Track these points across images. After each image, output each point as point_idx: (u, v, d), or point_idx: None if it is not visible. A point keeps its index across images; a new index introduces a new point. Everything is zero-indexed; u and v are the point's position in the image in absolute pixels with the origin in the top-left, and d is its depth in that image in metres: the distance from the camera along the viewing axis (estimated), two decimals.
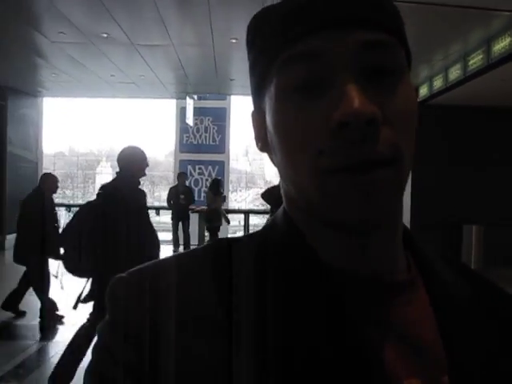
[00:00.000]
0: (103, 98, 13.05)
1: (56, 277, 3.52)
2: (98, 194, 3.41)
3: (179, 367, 0.44)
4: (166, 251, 8.33)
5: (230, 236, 0.61)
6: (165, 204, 10.82)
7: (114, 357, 0.46)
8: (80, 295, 3.07)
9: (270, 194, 5.52)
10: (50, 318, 5.35)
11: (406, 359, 0.48)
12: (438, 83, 8.27)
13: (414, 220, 8.65)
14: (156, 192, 20.63)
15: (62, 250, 3.22)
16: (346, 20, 0.46)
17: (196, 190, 13.00)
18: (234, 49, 7.27)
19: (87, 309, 3.36)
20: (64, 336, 5.09)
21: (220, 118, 13.91)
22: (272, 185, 7.68)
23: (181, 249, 10.11)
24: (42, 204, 5.27)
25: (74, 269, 3.15)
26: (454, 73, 7.55)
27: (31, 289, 5.47)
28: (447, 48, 6.95)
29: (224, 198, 10.10)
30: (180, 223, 10.28)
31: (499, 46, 6.15)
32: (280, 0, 0.51)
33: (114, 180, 3.48)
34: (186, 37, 7.01)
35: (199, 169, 13.86)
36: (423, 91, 8.72)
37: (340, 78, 0.45)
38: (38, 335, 5.22)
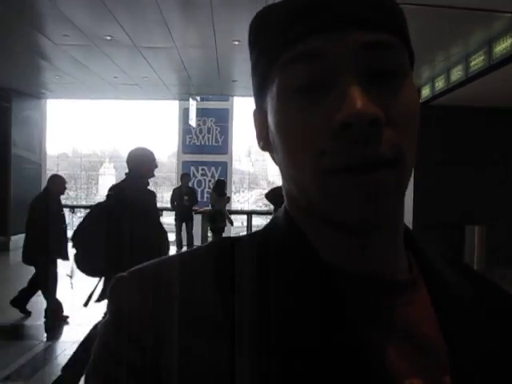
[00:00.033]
0: (106, 99, 13.08)
1: (71, 276, 3.57)
2: (107, 195, 3.45)
3: (181, 366, 0.44)
4: (169, 252, 8.35)
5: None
6: (168, 205, 10.83)
7: (116, 357, 0.46)
8: (91, 293, 3.11)
9: (273, 195, 5.57)
10: (55, 319, 5.39)
11: (408, 359, 0.48)
12: (439, 84, 8.28)
13: (416, 220, 8.65)
14: (159, 193, 20.60)
15: (74, 251, 3.27)
16: (347, 20, 0.46)
17: (199, 190, 13.02)
18: (236, 50, 7.30)
19: (93, 309, 3.40)
20: (69, 336, 5.15)
21: (223, 119, 13.94)
22: (275, 185, 7.71)
23: (184, 250, 10.13)
24: (50, 205, 5.33)
25: (86, 268, 3.20)
26: (456, 74, 7.57)
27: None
28: (449, 49, 6.96)
29: (228, 199, 10.13)
30: (183, 224, 10.30)
31: (501, 48, 6.17)
32: None
33: (123, 181, 3.52)
34: (188, 39, 7.04)
35: (202, 170, 13.88)
36: (425, 92, 8.73)
37: (342, 78, 0.45)
38: (43, 335, 5.27)
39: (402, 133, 0.46)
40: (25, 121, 11.50)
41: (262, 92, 0.53)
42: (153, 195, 3.57)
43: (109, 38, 6.90)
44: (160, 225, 3.56)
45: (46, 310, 5.42)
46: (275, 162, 0.55)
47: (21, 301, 5.62)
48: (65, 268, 5.53)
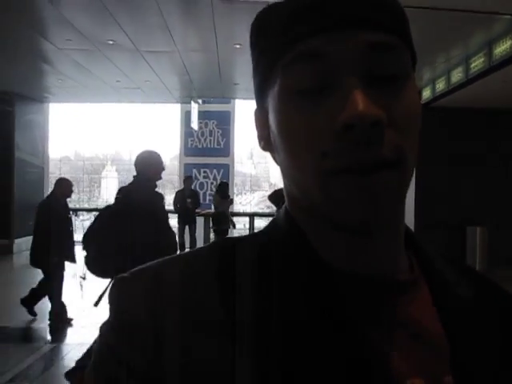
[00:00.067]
0: (109, 103, 13.08)
1: (84, 278, 3.62)
2: (116, 198, 3.51)
3: (183, 367, 0.44)
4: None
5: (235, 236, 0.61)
6: (170, 207, 10.85)
7: (117, 357, 0.45)
8: (102, 294, 3.15)
9: (276, 196, 5.61)
10: (59, 321, 5.44)
11: (409, 359, 0.47)
12: (440, 86, 8.31)
13: (418, 221, 8.66)
14: None
15: (84, 253, 3.33)
16: (347, 20, 0.46)
17: (201, 193, 13.03)
18: (237, 54, 7.33)
19: (97, 311, 3.43)
20: (74, 338, 5.19)
21: (224, 122, 13.95)
22: (277, 187, 7.73)
23: None
24: (57, 208, 5.39)
25: (96, 270, 3.25)
26: (457, 75, 7.60)
27: None
28: (449, 51, 7.01)
29: (231, 201, 10.15)
30: (186, 227, 10.31)
31: (500, 49, 6.20)
32: None
33: (131, 184, 3.58)
34: (190, 43, 7.08)
35: (204, 172, 13.89)
36: (426, 94, 8.76)
37: (344, 79, 0.45)
38: (48, 337, 5.31)
39: (404, 134, 0.46)
40: (28, 125, 11.53)
41: (263, 92, 0.53)
42: (161, 197, 3.63)
43: (111, 42, 6.94)
44: (168, 226, 3.63)
45: (50, 313, 5.47)
46: (276, 161, 0.55)
47: (30, 301, 5.65)
48: (72, 270, 5.60)
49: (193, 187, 11.11)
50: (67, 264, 5.45)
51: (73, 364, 3.86)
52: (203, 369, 0.43)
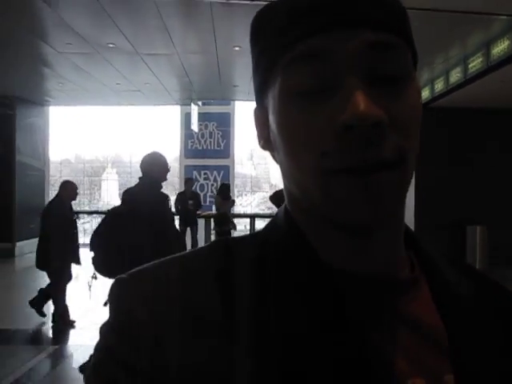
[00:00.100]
0: (109, 105, 13.08)
1: (96, 278, 3.67)
2: (122, 199, 3.57)
3: (183, 368, 0.44)
4: None
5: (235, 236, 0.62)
6: (172, 209, 10.85)
7: (117, 358, 0.45)
8: None
9: (277, 197, 5.67)
10: (62, 323, 5.47)
11: (410, 358, 0.47)
12: (439, 86, 8.34)
13: (418, 221, 8.69)
14: None
15: (91, 254, 3.38)
16: (347, 20, 0.45)
17: (201, 195, 13.05)
18: (237, 56, 7.37)
19: (98, 314, 3.46)
20: (77, 340, 5.21)
21: (224, 123, 13.98)
22: (278, 188, 7.76)
23: None
24: (62, 211, 5.44)
25: (103, 270, 3.30)
26: (455, 76, 7.63)
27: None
28: (448, 51, 7.04)
29: (233, 202, 10.17)
30: (188, 229, 10.33)
31: (498, 49, 6.23)
32: None
33: (136, 185, 3.64)
34: (189, 45, 7.10)
35: (204, 174, 13.91)
36: (425, 94, 8.78)
37: (345, 79, 0.45)
38: (51, 339, 5.34)
39: (405, 134, 0.46)
40: (28, 128, 11.56)
41: (263, 91, 0.53)
42: (166, 198, 3.68)
43: (111, 45, 6.96)
44: (174, 226, 3.68)
45: (53, 315, 5.50)
46: (276, 160, 0.55)
47: (38, 301, 5.66)
48: (76, 272, 5.63)
49: (193, 189, 11.13)
50: (73, 266, 5.50)
51: (76, 366, 3.89)
52: (203, 369, 0.43)
